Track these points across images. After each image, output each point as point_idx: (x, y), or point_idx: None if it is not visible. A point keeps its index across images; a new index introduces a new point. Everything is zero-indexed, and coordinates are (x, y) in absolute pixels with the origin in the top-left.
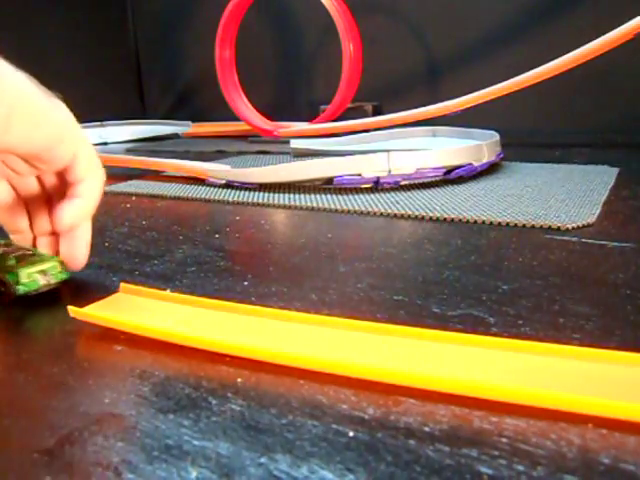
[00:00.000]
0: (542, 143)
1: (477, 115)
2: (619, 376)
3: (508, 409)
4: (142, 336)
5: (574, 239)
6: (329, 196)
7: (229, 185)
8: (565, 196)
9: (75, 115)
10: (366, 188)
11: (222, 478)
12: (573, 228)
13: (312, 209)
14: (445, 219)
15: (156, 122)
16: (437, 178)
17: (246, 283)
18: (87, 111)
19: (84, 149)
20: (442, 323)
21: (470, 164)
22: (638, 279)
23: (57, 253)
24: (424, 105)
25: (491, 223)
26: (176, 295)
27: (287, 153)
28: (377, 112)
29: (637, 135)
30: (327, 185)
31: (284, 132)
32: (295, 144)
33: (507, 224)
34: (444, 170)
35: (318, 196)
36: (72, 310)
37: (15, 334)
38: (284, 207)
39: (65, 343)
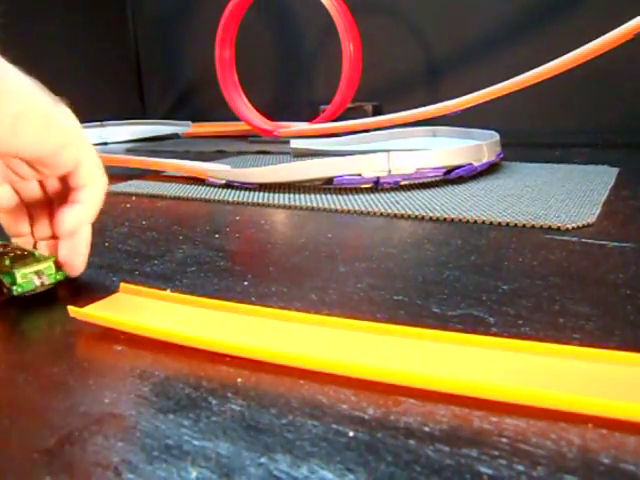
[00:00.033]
0: (542, 143)
1: (477, 115)
2: (619, 376)
3: (508, 409)
4: (142, 336)
5: (574, 239)
6: (329, 196)
7: (229, 185)
8: (565, 196)
9: (75, 115)
10: (366, 188)
11: (222, 478)
12: (573, 228)
13: (312, 209)
14: (445, 219)
15: (156, 122)
16: (437, 178)
17: (246, 283)
18: (87, 111)
19: (88, 155)
20: (442, 323)
21: (470, 164)
22: (638, 279)
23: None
24: (424, 105)
25: (491, 223)
26: (176, 295)
27: (287, 153)
28: (377, 112)
29: (637, 135)
30: (327, 185)
31: (284, 132)
32: (295, 144)
33: (507, 224)
34: (444, 170)
35: (318, 196)
36: (72, 310)
37: (15, 334)
38: (284, 207)
39: (65, 343)
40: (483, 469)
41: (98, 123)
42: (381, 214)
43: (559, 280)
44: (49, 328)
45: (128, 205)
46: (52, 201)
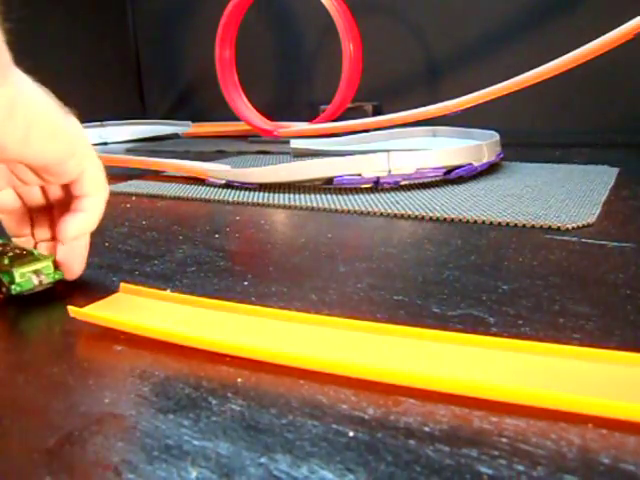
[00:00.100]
0: (542, 143)
1: (477, 115)
2: (619, 376)
3: (508, 409)
4: (142, 336)
5: (574, 239)
6: (329, 196)
7: (229, 185)
8: (565, 196)
9: (75, 115)
10: (366, 188)
11: (222, 478)
12: (573, 228)
13: (312, 209)
14: (445, 219)
15: (156, 122)
16: (437, 178)
17: (246, 283)
18: (87, 111)
19: (92, 165)
20: (442, 323)
21: (470, 164)
22: (638, 279)
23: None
24: (424, 105)
25: (491, 223)
26: (176, 295)
27: (287, 153)
28: (377, 112)
29: (637, 135)
30: (327, 185)
31: (284, 132)
32: (295, 144)
33: (507, 224)
34: (444, 170)
35: (318, 196)
36: (72, 310)
37: (15, 334)
38: (284, 207)
39: (65, 343)
40: (483, 469)
41: (98, 123)
42: (381, 214)
43: (559, 280)
44: (49, 328)
45: (128, 205)
46: (53, 206)
